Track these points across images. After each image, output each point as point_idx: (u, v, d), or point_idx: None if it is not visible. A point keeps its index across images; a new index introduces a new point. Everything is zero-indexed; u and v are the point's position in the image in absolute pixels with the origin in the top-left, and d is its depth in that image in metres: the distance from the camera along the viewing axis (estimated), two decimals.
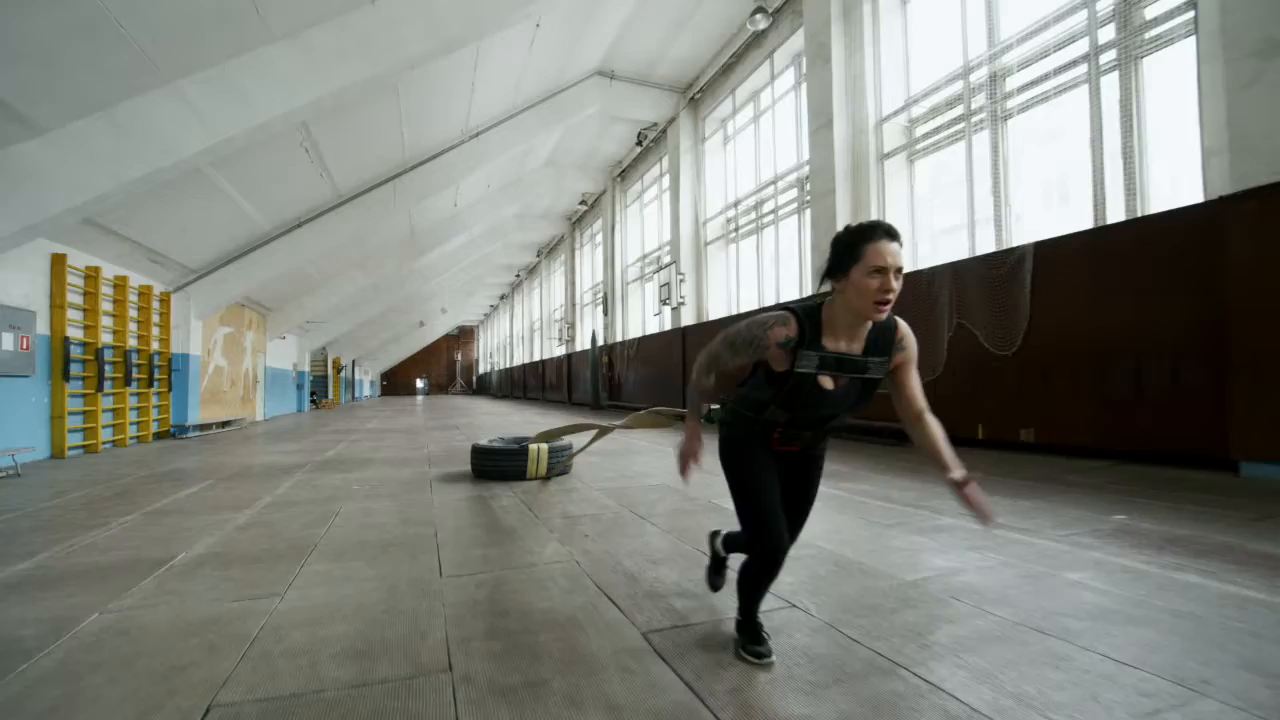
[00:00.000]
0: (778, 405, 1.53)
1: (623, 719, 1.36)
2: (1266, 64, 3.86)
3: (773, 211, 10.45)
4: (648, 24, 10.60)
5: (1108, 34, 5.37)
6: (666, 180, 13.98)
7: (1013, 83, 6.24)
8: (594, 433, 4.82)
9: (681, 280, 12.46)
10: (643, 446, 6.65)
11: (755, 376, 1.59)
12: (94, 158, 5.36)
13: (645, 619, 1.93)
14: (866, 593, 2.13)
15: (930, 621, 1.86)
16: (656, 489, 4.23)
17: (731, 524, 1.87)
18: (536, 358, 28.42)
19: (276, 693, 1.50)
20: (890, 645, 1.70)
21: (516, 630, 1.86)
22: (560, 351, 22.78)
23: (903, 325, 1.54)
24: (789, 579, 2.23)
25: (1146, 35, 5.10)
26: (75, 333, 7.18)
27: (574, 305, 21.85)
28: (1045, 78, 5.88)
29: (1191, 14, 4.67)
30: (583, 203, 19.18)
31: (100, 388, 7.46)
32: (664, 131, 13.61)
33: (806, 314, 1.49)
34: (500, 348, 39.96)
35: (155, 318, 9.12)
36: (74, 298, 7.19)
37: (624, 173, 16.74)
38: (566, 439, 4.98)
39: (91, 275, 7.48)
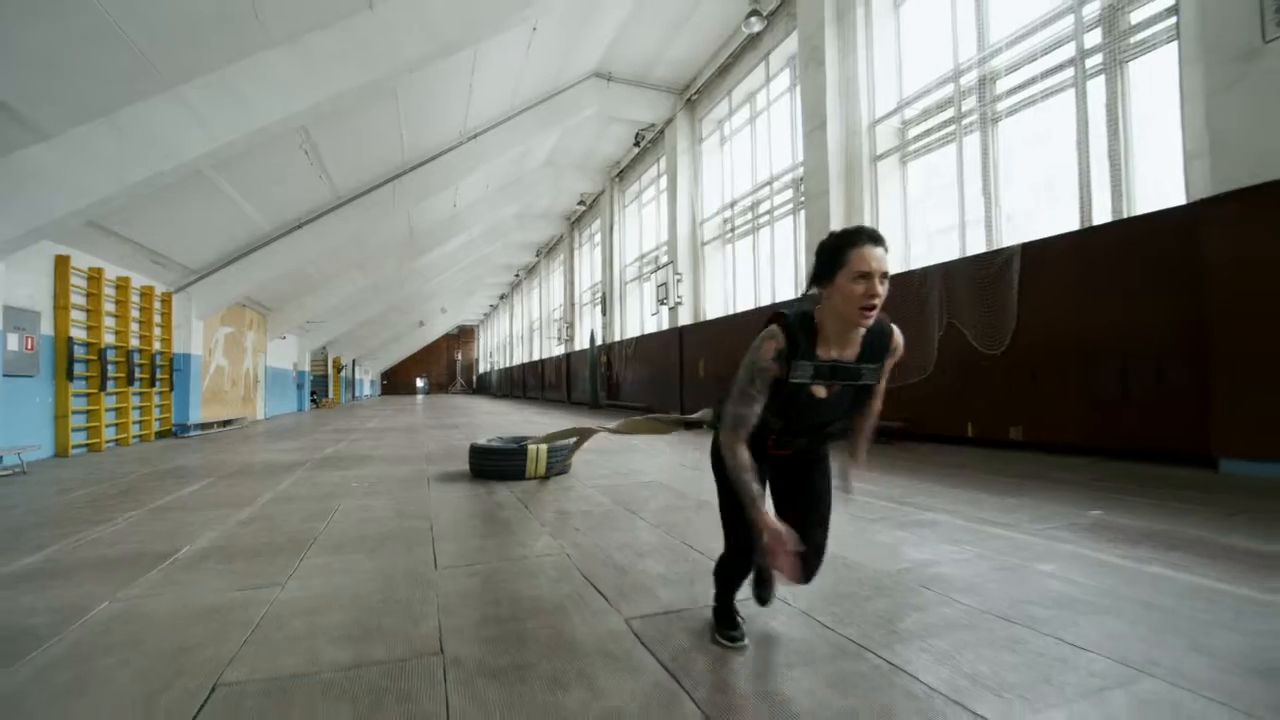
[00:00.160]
0: (771, 412, 1.52)
1: (603, 697, 1.45)
2: (1245, 68, 3.95)
3: (768, 212, 10.54)
4: (645, 26, 10.68)
5: (1094, 38, 5.45)
6: (664, 181, 14.06)
7: (1002, 86, 6.33)
8: (589, 434, 4.88)
9: (679, 280, 12.54)
10: (638, 444, 6.74)
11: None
12: (97, 161, 5.46)
13: (630, 607, 2.02)
14: (842, 583, 2.21)
15: (900, 609, 1.95)
16: (649, 486, 4.32)
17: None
18: (536, 357, 28.51)
19: (277, 673, 1.59)
20: (859, 631, 1.79)
21: (506, 617, 1.95)
22: (559, 351, 22.87)
23: (896, 332, 1.55)
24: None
25: (1131, 40, 5.19)
26: (79, 333, 7.27)
27: (573, 305, 21.94)
28: (1033, 81, 5.97)
29: (1174, 19, 4.75)
30: (581, 203, 19.26)
31: (103, 387, 7.56)
32: (661, 132, 13.69)
33: (799, 322, 1.47)
34: (500, 347, 40.06)
35: (157, 318, 9.23)
36: (77, 299, 7.28)
37: (622, 173, 16.82)
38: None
39: (94, 276, 7.58)
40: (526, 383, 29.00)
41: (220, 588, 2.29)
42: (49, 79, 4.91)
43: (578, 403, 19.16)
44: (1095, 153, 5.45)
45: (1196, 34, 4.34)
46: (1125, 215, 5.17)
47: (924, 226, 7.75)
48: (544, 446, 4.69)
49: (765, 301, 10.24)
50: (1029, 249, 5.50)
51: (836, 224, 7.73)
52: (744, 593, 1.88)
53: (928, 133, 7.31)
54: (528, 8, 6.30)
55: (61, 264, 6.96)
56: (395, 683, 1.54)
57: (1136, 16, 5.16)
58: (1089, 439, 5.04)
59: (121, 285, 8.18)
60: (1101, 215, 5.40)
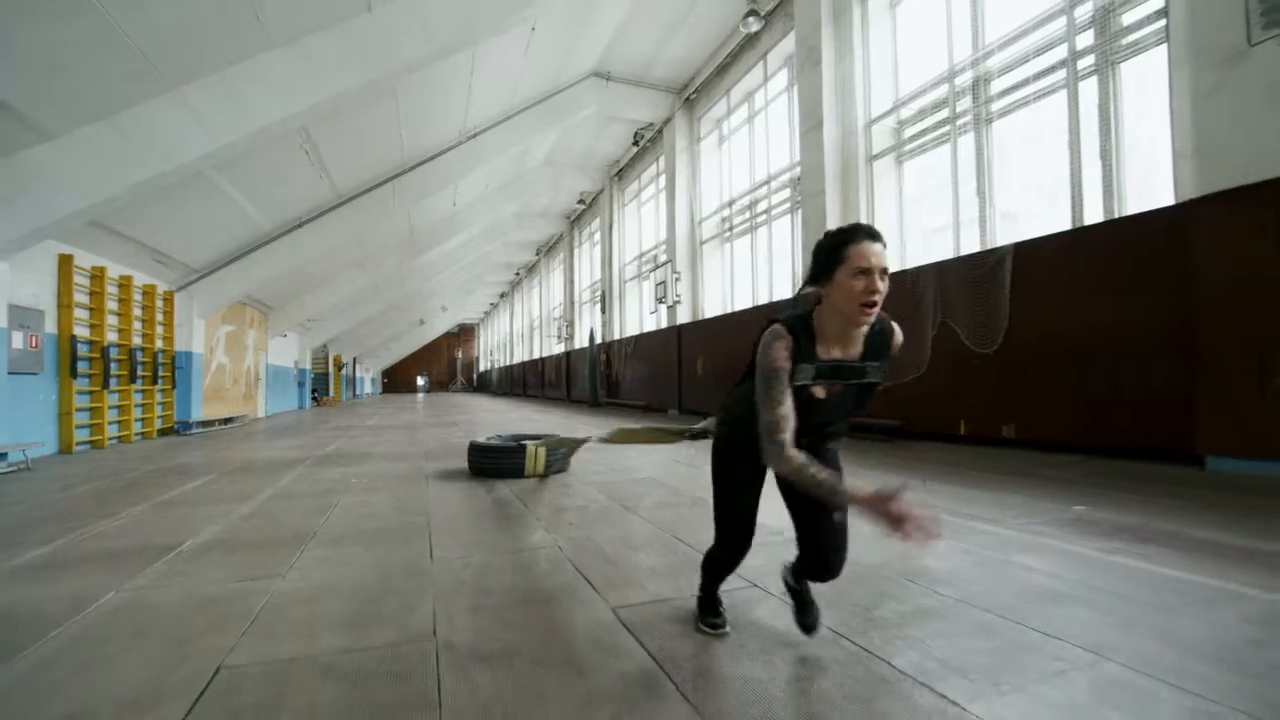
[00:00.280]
0: None
1: (588, 679, 1.52)
2: (1230, 71, 4.00)
3: (766, 211, 10.59)
4: (643, 26, 10.74)
5: (1086, 39, 5.51)
6: (663, 180, 14.12)
7: (996, 86, 6.38)
8: (580, 442, 4.96)
9: (677, 279, 12.61)
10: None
11: (751, 380, 1.55)
12: (100, 162, 5.53)
13: (618, 597, 2.09)
14: None
15: (878, 599, 2.02)
16: (644, 483, 4.38)
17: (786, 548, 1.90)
18: (536, 355, 28.60)
19: (277, 657, 1.67)
20: (837, 618, 1.86)
21: (498, 606, 2.03)
22: (559, 349, 22.95)
23: (897, 330, 1.55)
24: (756, 562, 2.37)
25: (1123, 41, 5.24)
26: (82, 331, 7.35)
27: (573, 303, 22.01)
28: (1027, 82, 6.02)
29: (1164, 21, 4.81)
30: (580, 202, 19.32)
31: (106, 385, 7.64)
32: (660, 132, 13.75)
33: (798, 324, 1.47)
34: (500, 345, 40.15)
35: (159, 316, 9.31)
36: (80, 297, 7.35)
37: (621, 172, 16.88)
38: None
39: (97, 275, 7.66)
40: (527, 381, 29.09)
41: (223, 578, 2.36)
42: (51, 80, 4.98)
43: (577, 401, 19.23)
44: (1087, 153, 5.51)
45: (1185, 36, 4.39)
46: (1116, 215, 5.22)
47: (919, 226, 7.80)
48: (543, 447, 4.77)
49: (763, 300, 10.29)
50: (1021, 249, 5.56)
51: (833, 223, 7.79)
52: (727, 584, 1.95)
53: (923, 133, 7.37)
54: (526, 9, 6.36)
55: (65, 263, 7.03)
56: (389, 665, 1.61)
57: (1128, 18, 5.21)
58: (1080, 437, 5.11)
59: (124, 284, 8.26)
60: (1093, 215, 5.46)
